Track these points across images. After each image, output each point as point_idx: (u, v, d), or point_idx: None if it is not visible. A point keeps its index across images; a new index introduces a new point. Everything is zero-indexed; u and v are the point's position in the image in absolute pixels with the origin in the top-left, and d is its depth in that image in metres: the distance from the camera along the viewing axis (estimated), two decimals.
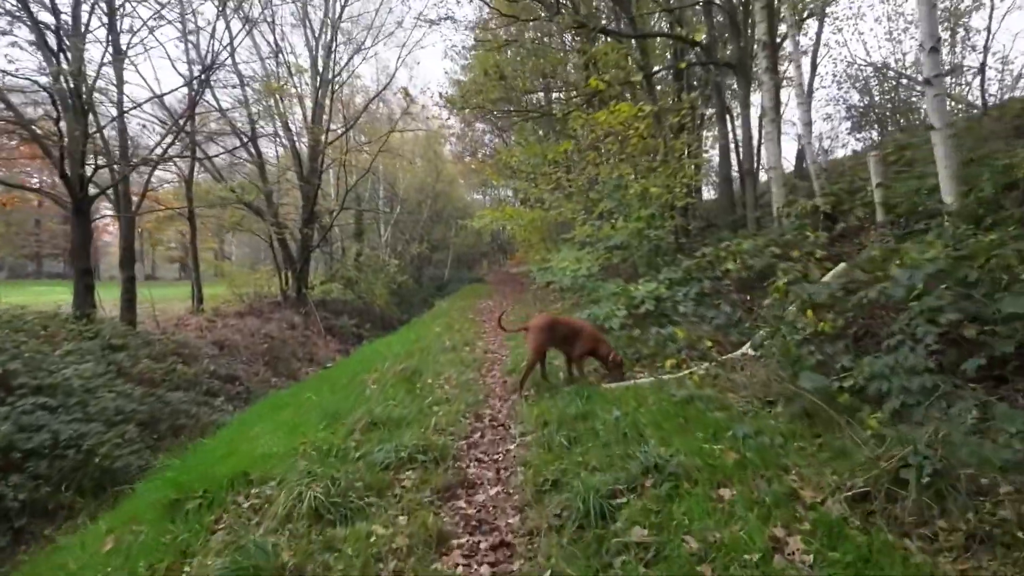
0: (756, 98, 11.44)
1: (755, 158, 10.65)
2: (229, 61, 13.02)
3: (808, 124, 8.88)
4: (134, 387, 9.20)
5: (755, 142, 13.11)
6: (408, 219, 29.08)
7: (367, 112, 24.06)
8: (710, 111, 13.08)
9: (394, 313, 23.16)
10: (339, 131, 19.39)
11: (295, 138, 18.58)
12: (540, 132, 20.84)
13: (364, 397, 5.49)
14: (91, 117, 10.75)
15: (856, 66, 16.49)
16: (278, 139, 19.02)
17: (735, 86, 11.24)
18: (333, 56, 18.24)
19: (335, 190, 22.53)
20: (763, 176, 13.15)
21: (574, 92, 13.90)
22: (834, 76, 19.00)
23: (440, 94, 18.09)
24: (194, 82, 12.59)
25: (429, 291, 31.13)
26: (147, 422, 8.73)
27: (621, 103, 9.48)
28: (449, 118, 26.05)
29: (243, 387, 11.93)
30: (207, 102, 14.88)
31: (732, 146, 11.61)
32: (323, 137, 18.76)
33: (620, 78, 9.10)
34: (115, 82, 11.16)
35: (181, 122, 12.04)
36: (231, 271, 16.89)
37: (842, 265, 6.62)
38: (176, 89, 12.04)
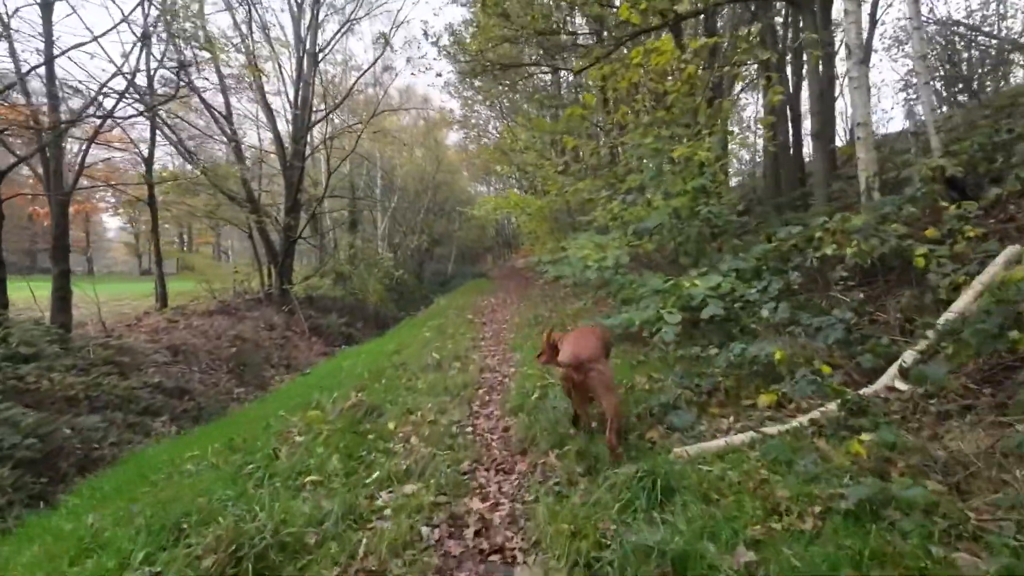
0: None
1: (827, 117, 8.22)
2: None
3: (923, 57, 6.43)
4: (28, 411, 6.93)
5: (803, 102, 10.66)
6: (407, 210, 26.75)
7: (364, 97, 21.70)
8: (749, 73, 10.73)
9: (390, 311, 20.87)
10: (326, 111, 17.02)
11: (276, 118, 16.24)
12: (545, 112, 18.42)
13: (255, 474, 3.13)
14: None
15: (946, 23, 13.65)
16: (257, 120, 16.69)
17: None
18: (313, 20, 15.85)
19: (326, 178, 20.20)
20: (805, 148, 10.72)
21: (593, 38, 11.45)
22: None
23: (435, 43, 15.64)
24: (149, 22, 10.18)
25: (432, 286, 28.84)
26: (37, 460, 6.46)
27: (662, 39, 7.06)
28: (450, 96, 23.76)
29: (194, 403, 9.65)
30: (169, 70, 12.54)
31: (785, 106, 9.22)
32: (307, 116, 16.44)
33: (661, 6, 6.69)
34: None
35: (127, 72, 9.65)
36: (202, 265, 14.61)
37: (1014, 248, 4.24)
38: (120, 23, 9.55)
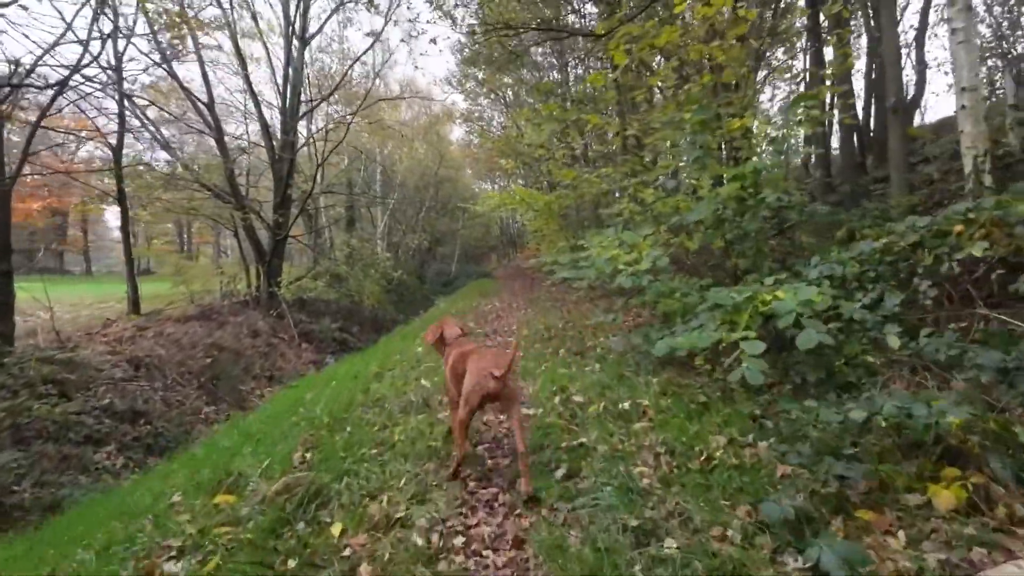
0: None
1: (903, 86, 6.63)
2: None
3: None
4: None
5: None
6: (408, 207, 25.21)
7: (363, 91, 20.16)
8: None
9: (388, 313, 19.37)
10: (317, 100, 15.49)
11: (265, 108, 14.73)
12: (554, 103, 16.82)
13: None
14: None
15: None
16: (245, 110, 15.19)
17: None
18: (301, 5, 14.30)
19: (315, 171, 18.68)
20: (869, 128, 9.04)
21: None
22: None
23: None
24: None
25: (434, 286, 27.32)
26: None
27: None
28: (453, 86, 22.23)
29: (150, 427, 8.16)
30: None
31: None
32: (297, 105, 14.93)
33: None
34: None
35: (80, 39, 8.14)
36: (180, 265, 13.16)
37: None
38: None
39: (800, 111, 5.07)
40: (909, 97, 6.02)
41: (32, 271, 37.57)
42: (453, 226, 29.80)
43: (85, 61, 8.53)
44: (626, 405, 3.78)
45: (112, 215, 42.06)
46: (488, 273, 30.97)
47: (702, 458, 2.84)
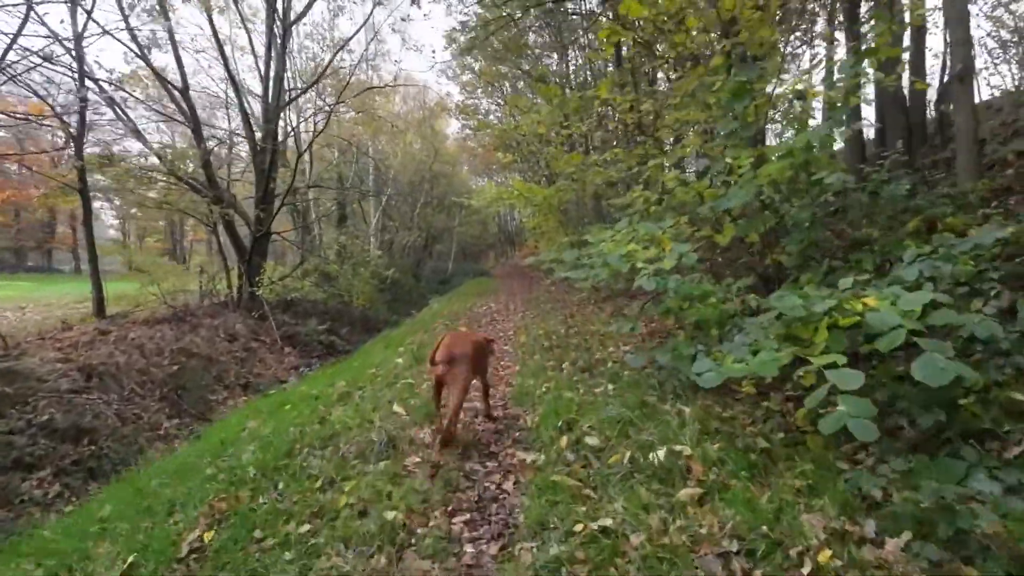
0: None
1: (971, 50, 5.56)
2: None
3: None
4: None
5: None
6: (402, 203, 24.09)
7: (356, 81, 19.00)
8: None
9: (380, 314, 18.26)
10: (302, 88, 14.38)
11: (248, 97, 13.63)
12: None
13: None
14: None
15: None
16: (227, 100, 14.08)
17: None
18: None
19: (309, 167, 17.61)
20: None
21: None
22: None
23: None
24: None
25: (431, 285, 26.22)
26: None
27: None
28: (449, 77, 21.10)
29: (96, 448, 7.07)
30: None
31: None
32: (280, 93, 13.82)
33: None
34: None
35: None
36: (149, 264, 12.06)
37: None
38: None
39: (863, 67, 3.99)
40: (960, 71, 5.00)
41: (19, 269, 36.46)
42: (449, 223, 28.68)
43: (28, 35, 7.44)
44: (660, 455, 2.70)
45: (105, 213, 40.91)
46: (485, 271, 29.91)
47: (805, 573, 1.76)
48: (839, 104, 3.92)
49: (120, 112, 11.59)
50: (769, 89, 4.75)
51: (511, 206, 24.49)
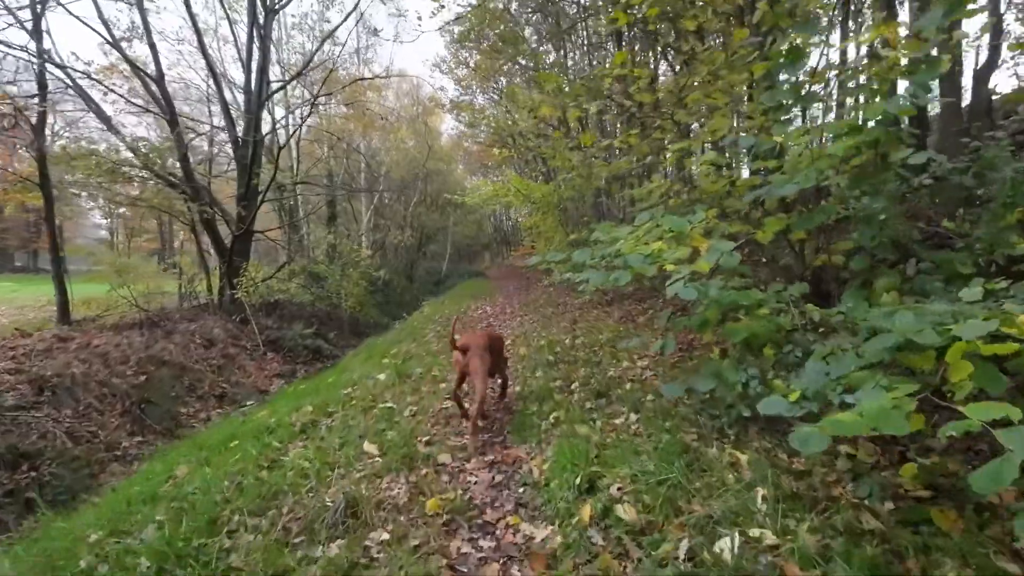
0: None
1: None
2: None
3: None
4: None
5: None
6: (396, 202, 23.16)
7: (343, 72, 18.06)
8: None
9: (371, 316, 17.36)
10: (287, 79, 13.45)
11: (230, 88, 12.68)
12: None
13: None
14: None
15: None
16: (208, 92, 13.13)
17: None
18: None
19: (297, 165, 16.67)
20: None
21: None
22: None
23: None
24: None
25: (425, 286, 25.30)
26: None
27: None
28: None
29: (36, 474, 6.15)
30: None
31: None
32: (264, 84, 12.89)
33: None
34: None
35: None
36: (120, 265, 11.10)
37: None
38: None
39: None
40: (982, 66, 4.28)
41: (4, 269, 35.26)
42: (444, 223, 27.75)
43: None
44: (731, 544, 1.84)
45: (95, 212, 39.62)
46: (481, 272, 29.04)
47: None
48: (923, 67, 3.07)
49: (86, 98, 10.65)
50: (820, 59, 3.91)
51: (507, 205, 23.63)
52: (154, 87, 11.76)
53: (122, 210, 31.43)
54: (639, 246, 3.82)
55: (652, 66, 12.15)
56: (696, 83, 5.19)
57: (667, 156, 5.11)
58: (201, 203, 12.25)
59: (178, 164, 12.15)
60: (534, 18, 16.83)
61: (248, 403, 9.64)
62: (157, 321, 11.35)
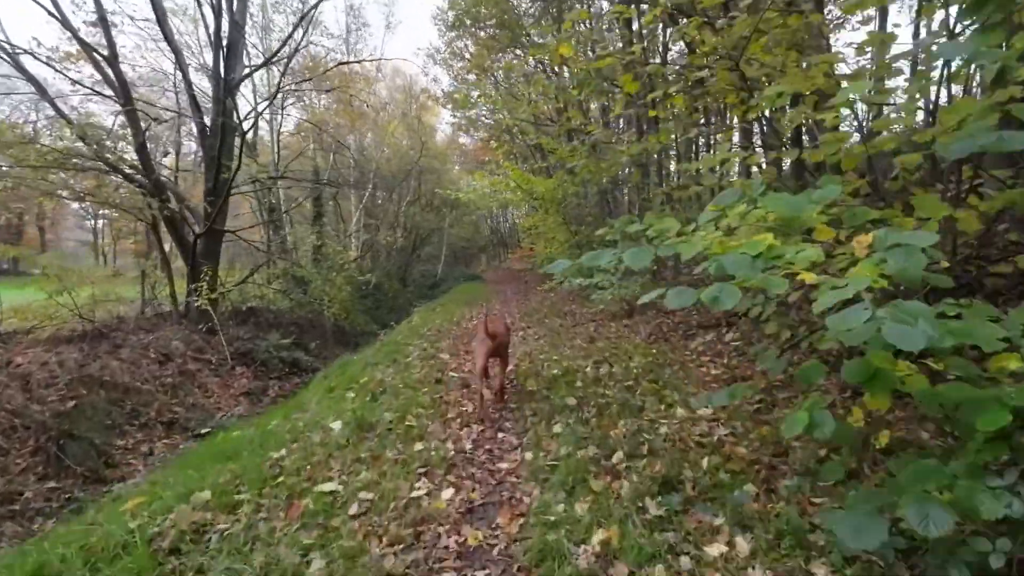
0: None
1: None
2: None
3: None
4: None
5: None
6: (388, 202, 21.54)
7: (329, 60, 16.46)
8: None
9: (359, 324, 15.74)
10: (262, 62, 11.88)
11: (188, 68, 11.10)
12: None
13: None
14: None
15: None
16: (175, 81, 11.54)
17: None
18: None
19: (277, 158, 15.06)
20: None
21: None
22: None
23: None
24: None
25: (420, 289, 23.67)
26: None
27: None
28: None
29: None
30: None
31: None
32: (236, 67, 11.31)
33: None
34: None
35: None
36: (58, 268, 9.50)
37: None
38: None
39: None
40: None
41: None
42: (439, 224, 26.15)
43: None
44: None
45: (73, 214, 37.66)
46: (477, 276, 27.48)
47: None
48: None
49: (26, 74, 9.06)
50: None
51: (504, 203, 22.06)
52: (107, 68, 10.17)
53: (104, 210, 29.73)
54: (728, 243, 2.28)
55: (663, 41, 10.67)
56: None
57: (747, 107, 3.57)
58: (161, 198, 10.64)
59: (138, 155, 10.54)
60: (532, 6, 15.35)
61: (204, 431, 8.07)
62: (106, 333, 9.71)
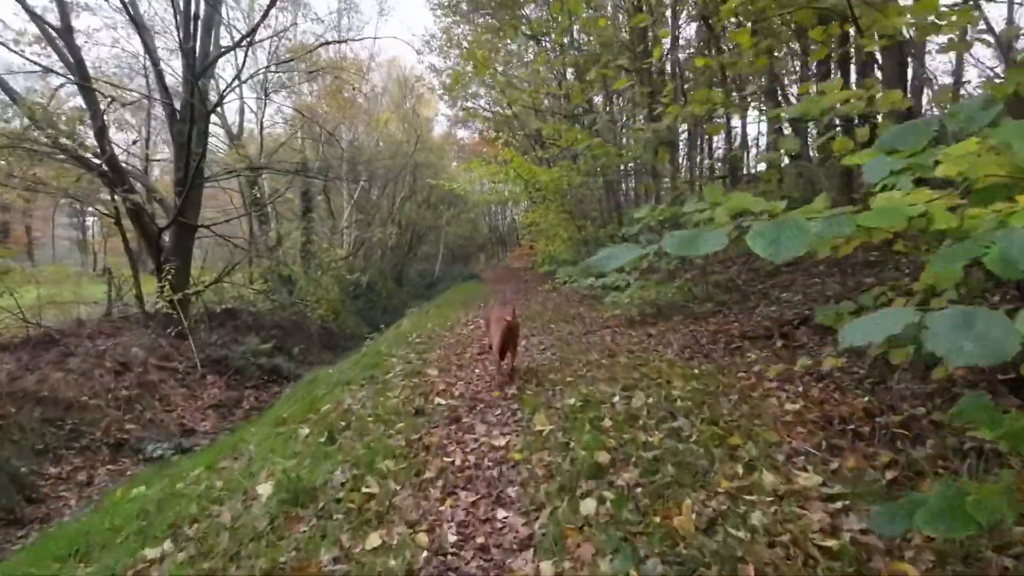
0: None
1: None
2: None
3: None
4: None
5: None
6: (381, 196, 20.31)
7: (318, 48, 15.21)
8: None
9: (348, 326, 14.54)
10: (240, 40, 10.68)
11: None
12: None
13: None
14: None
15: None
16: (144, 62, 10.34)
17: None
18: None
19: (260, 148, 13.83)
20: None
21: None
22: None
23: None
24: None
25: (417, 289, 22.47)
26: None
27: None
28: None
29: None
30: None
31: None
32: (210, 45, 10.11)
33: None
34: None
35: None
36: (8, 267, 8.31)
37: None
38: None
39: None
40: None
41: None
42: (436, 222, 24.93)
43: None
44: None
45: (61, 211, 36.25)
46: (475, 275, 26.27)
47: None
48: None
49: None
50: None
51: (503, 201, 20.88)
52: (60, 42, 8.95)
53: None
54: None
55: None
56: None
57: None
58: (124, 188, 9.43)
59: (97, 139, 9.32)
60: None
61: (157, 452, 6.89)
62: (57, 339, 8.52)
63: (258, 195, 14.77)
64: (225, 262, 14.93)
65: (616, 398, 3.48)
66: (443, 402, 3.89)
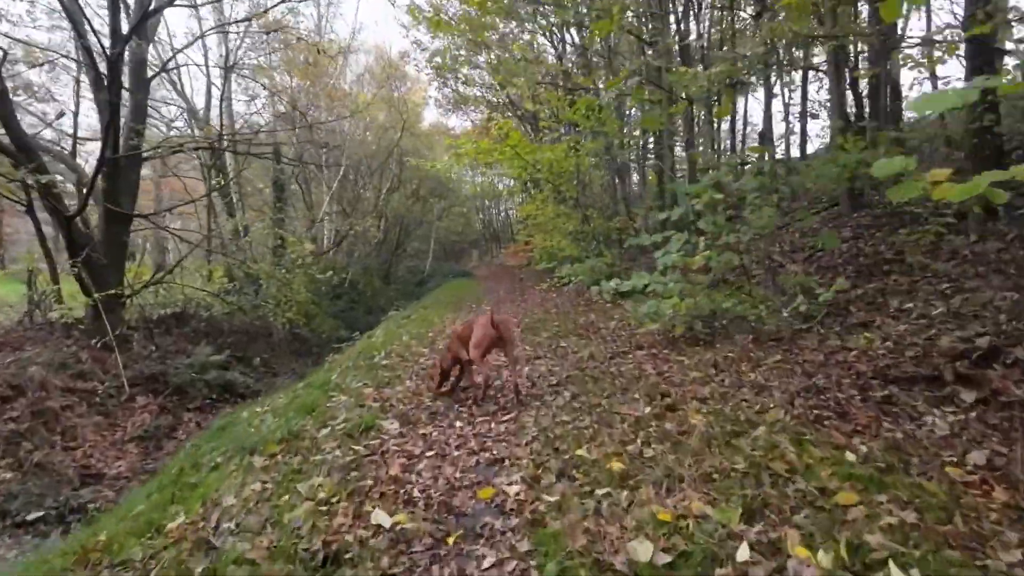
0: None
1: None
2: None
3: None
4: None
5: None
6: (366, 187, 18.34)
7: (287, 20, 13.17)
8: None
9: (324, 329, 12.63)
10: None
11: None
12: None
13: None
14: None
15: None
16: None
17: None
18: None
19: (221, 127, 11.87)
20: None
21: None
22: None
23: None
24: None
25: (407, 287, 20.57)
26: None
27: None
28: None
29: None
30: None
31: None
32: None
33: None
34: None
35: None
36: None
37: None
38: None
39: None
40: None
41: None
42: (426, 216, 22.99)
43: None
44: None
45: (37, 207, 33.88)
46: (467, 272, 24.40)
47: None
48: None
49: None
50: None
51: (499, 194, 19.03)
52: None
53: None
54: None
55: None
56: None
57: None
58: (32, 166, 7.47)
59: None
60: None
61: (33, 515, 5.00)
62: None
63: (221, 183, 12.79)
64: (198, 261, 12.95)
65: (728, 534, 1.66)
66: (388, 522, 2.03)
